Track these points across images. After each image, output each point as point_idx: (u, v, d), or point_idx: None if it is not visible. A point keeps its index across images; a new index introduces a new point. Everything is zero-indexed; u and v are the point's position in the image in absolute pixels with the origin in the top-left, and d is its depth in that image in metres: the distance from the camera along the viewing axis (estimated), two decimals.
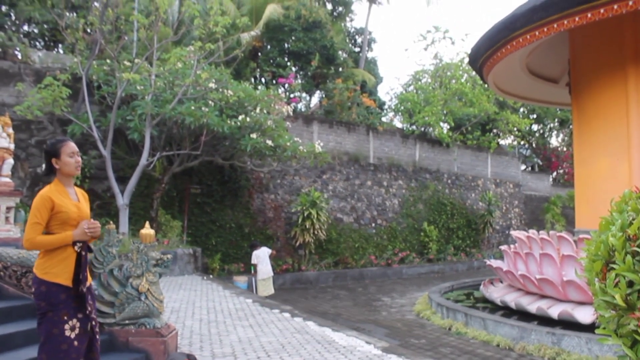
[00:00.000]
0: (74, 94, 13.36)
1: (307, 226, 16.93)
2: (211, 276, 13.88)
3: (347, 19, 29.87)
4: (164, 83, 13.06)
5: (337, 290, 15.81)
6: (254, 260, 13.15)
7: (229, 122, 12.93)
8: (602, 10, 8.61)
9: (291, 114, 16.26)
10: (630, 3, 8.30)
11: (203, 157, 13.97)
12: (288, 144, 14.00)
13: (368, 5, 29.78)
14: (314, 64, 21.59)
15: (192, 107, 12.36)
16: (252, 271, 13.34)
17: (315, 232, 17.14)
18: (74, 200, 3.63)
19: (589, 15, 8.77)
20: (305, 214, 16.97)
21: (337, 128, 20.41)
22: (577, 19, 8.96)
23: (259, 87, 17.79)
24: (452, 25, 60.43)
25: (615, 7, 8.45)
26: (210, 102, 13.04)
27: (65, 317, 3.44)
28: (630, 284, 2.23)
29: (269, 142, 13.49)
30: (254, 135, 13.22)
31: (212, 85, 13.16)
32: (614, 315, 2.34)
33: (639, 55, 9.93)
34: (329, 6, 27.25)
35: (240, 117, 13.13)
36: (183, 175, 15.34)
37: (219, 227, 16.26)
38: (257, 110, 13.68)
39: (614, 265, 2.32)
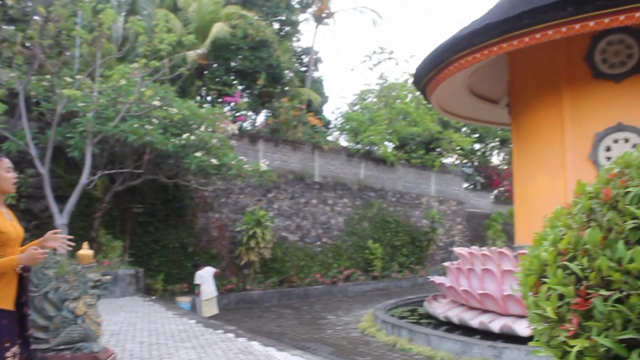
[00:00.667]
0: (10, 110, 12.91)
1: (252, 245, 16.83)
2: (154, 297, 13.57)
3: (294, 38, 30.11)
4: (106, 100, 12.80)
5: (282, 309, 15.72)
6: (197, 281, 12.95)
7: (173, 140, 12.77)
8: (538, 35, 8.99)
9: (236, 132, 16.19)
10: (564, 29, 8.71)
11: (146, 175, 13.73)
12: (233, 162, 13.93)
13: (315, 26, 30.16)
14: (260, 83, 21.62)
15: (136, 125, 12.15)
16: (196, 291, 13.13)
17: (260, 251, 17.05)
18: (8, 219, 3.50)
19: (527, 39, 9.15)
20: (250, 233, 16.87)
21: (283, 147, 20.44)
22: (515, 42, 9.32)
23: (205, 105, 17.67)
24: (397, 44, 61.64)
25: (550, 32, 8.85)
26: (154, 120, 12.86)
27: (8, 344, 3.26)
28: (561, 297, 2.30)
29: (214, 161, 13.38)
30: (198, 154, 13.09)
31: (156, 102, 12.99)
32: (546, 327, 2.42)
33: (572, 78, 10.38)
34: (276, 26, 27.41)
35: (184, 136, 12.99)
36: (125, 194, 15.02)
37: (162, 247, 15.96)
38: (202, 128, 13.58)
39: (546, 279, 2.41)
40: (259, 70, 21.60)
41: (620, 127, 9.75)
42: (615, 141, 9.79)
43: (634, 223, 2.14)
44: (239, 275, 17.37)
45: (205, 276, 12.95)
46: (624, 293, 2.03)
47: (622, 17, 8.22)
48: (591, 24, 8.43)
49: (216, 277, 13.52)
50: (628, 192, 2.30)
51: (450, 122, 27.82)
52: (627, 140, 9.68)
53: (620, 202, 2.30)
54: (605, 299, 2.07)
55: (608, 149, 9.85)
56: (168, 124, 13.25)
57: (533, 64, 11.31)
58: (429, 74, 11.82)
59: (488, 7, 11.10)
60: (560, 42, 9.95)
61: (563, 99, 10.45)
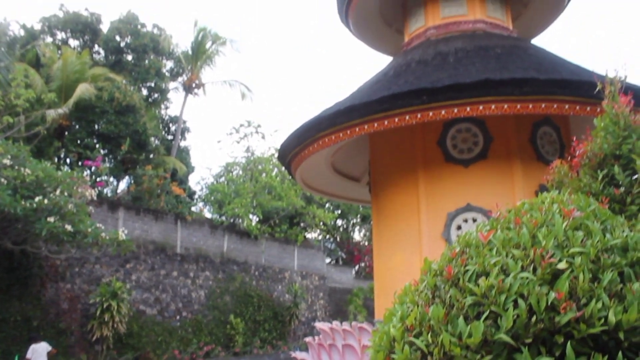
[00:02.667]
0: None
1: (106, 319, 15.80)
2: None
3: (163, 106, 29.81)
4: None
5: None
6: (28, 354, 11.75)
7: (23, 203, 11.88)
8: (396, 119, 9.62)
9: (95, 198, 15.44)
10: (419, 115, 9.42)
11: None
12: (89, 229, 13.18)
13: (184, 95, 30.06)
14: (125, 149, 20.98)
15: None
16: None
17: (115, 325, 16.03)
18: None
19: (386, 122, 9.74)
20: (104, 306, 15.86)
21: (144, 216, 19.74)
22: (375, 124, 9.87)
23: (63, 168, 16.76)
24: (266, 118, 62.89)
25: (407, 117, 9.52)
26: (2, 179, 11.93)
27: None
28: None
29: (68, 227, 12.58)
30: (51, 219, 12.25)
31: (6, 161, 12.10)
32: None
33: (427, 160, 11.10)
34: (145, 92, 27.03)
35: (37, 199, 12.15)
36: None
37: (1, 321, 14.47)
38: (58, 192, 12.79)
39: (394, 356, 2.48)
40: (124, 135, 21.02)
41: (469, 208, 10.51)
42: (465, 220, 10.52)
43: (472, 299, 2.30)
44: (89, 352, 16.11)
45: (40, 351, 11.81)
46: None
47: (468, 109, 9.10)
48: (442, 112, 9.23)
49: (51, 355, 12.32)
50: (467, 270, 2.48)
51: (314, 197, 28.51)
52: (474, 220, 10.43)
53: (461, 279, 2.47)
54: None
55: (459, 227, 10.54)
56: (19, 185, 12.34)
57: (392, 145, 11.98)
58: (294, 150, 12.10)
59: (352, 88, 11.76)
60: (416, 127, 10.68)
61: (419, 179, 11.11)
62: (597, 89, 5.02)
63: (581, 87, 8.57)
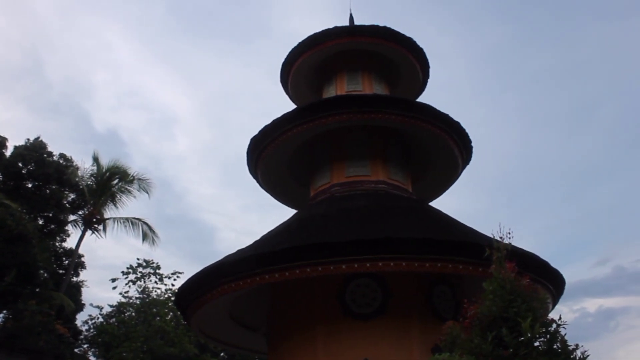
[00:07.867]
0: None
1: None
2: None
3: (58, 238, 28.38)
4: None
5: None
6: None
7: None
8: (297, 271, 9.71)
9: None
10: (320, 269, 9.56)
11: None
12: None
13: (83, 229, 28.82)
14: (8, 280, 19.54)
15: None
16: None
17: None
18: None
19: (287, 273, 9.79)
20: None
21: (18, 356, 18.05)
22: (276, 275, 9.89)
23: None
24: (167, 258, 61.18)
25: (309, 269, 9.64)
26: None
27: None
28: None
29: None
30: None
31: None
32: None
33: (326, 314, 11.02)
34: (41, 221, 25.87)
35: None
36: None
37: None
38: None
39: None
40: (10, 265, 19.65)
41: None
42: None
43: None
44: None
45: None
46: None
47: (368, 265, 9.38)
48: (343, 267, 9.45)
49: None
50: None
51: (209, 345, 27.31)
52: None
53: None
54: None
55: None
56: None
57: (292, 297, 11.89)
58: (192, 295, 11.76)
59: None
60: (316, 280, 10.74)
61: (317, 332, 10.95)
62: (486, 254, 5.37)
63: (473, 249, 9.09)
